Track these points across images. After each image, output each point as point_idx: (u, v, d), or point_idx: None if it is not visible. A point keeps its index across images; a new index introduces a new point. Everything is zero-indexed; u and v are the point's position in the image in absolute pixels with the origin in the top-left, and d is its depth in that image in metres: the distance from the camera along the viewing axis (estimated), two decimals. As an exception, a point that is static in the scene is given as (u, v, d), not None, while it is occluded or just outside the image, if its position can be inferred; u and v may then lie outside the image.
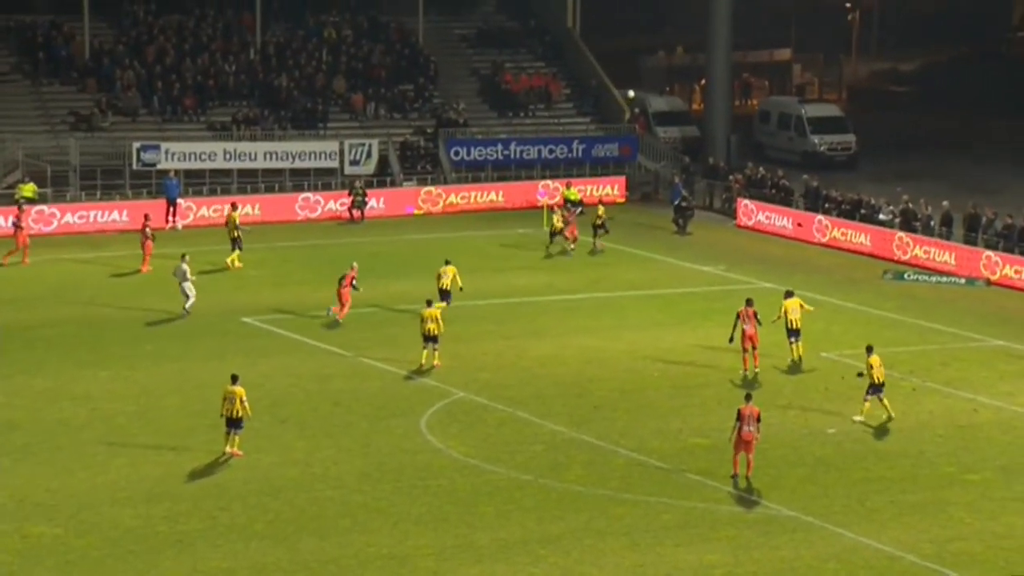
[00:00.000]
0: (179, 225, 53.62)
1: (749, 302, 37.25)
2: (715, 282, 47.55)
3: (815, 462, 31.85)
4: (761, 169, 58.61)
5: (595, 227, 50.75)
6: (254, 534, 27.87)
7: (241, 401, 31.47)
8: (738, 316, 36.85)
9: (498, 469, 31.22)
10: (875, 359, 33.81)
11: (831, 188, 55.05)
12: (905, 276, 48.35)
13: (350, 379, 37.05)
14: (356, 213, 55.88)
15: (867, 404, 33.89)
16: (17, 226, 48.41)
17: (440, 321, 37.40)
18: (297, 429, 33.53)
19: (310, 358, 38.77)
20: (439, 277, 42.27)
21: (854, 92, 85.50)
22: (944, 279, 47.94)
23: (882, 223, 51.78)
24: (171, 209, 54.09)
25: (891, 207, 52.23)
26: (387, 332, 40.90)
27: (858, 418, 33.90)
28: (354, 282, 41.69)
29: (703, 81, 72.10)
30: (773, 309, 38.01)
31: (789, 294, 38.59)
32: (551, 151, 61.60)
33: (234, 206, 49.65)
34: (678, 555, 27.21)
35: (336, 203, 56.36)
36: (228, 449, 31.56)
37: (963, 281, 47.66)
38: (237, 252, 47.80)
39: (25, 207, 50.61)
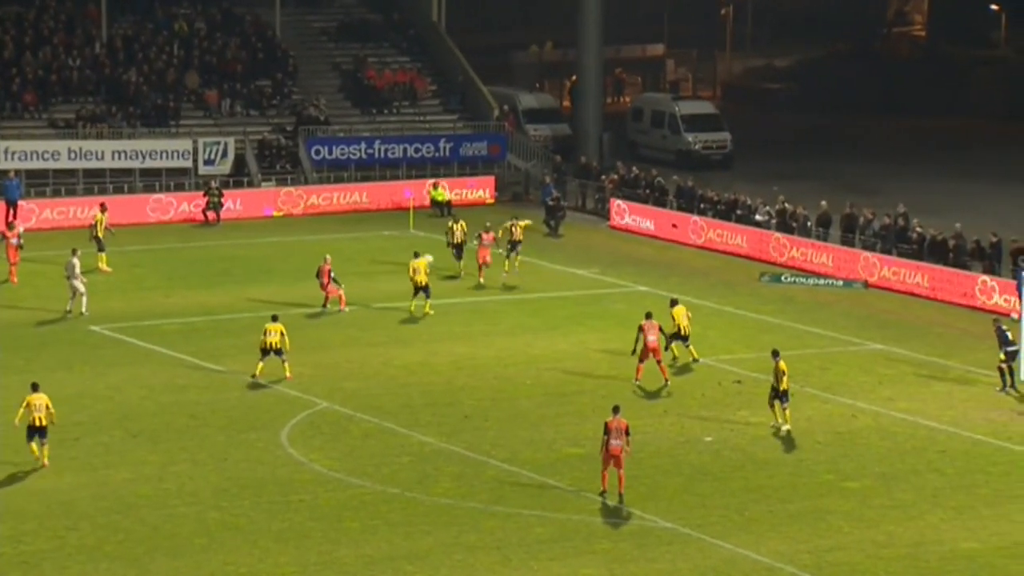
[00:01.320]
0: (20, 229, 52.57)
1: (649, 315, 37.36)
2: (589, 285, 47.87)
3: (692, 471, 32.21)
4: (635, 168, 59.12)
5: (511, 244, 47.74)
6: (104, 555, 27.47)
7: (48, 408, 31.27)
8: (640, 329, 36.99)
9: (363, 483, 31.13)
10: (783, 365, 34.17)
11: (706, 188, 55.73)
12: (782, 278, 49.09)
13: (206, 390, 36.70)
14: (211, 215, 55.36)
15: (786, 411, 34.22)
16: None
17: (285, 335, 37.13)
18: (150, 443, 33.13)
19: (163, 368, 38.33)
20: (413, 272, 42.62)
21: (728, 89, 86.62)
22: (822, 281, 48.77)
23: (758, 224, 52.53)
24: (11, 211, 53.13)
25: (767, 207, 53.00)
26: (246, 339, 40.48)
27: (785, 427, 34.24)
28: (332, 275, 42.72)
29: (574, 77, 72.53)
30: (659, 315, 38.21)
31: (674, 302, 39.06)
32: (417, 150, 61.59)
33: (103, 207, 48.76)
34: (552, 569, 27.34)
35: (190, 204, 55.80)
36: (42, 459, 31.26)
37: (841, 283, 48.53)
38: (104, 255, 47.19)
39: None
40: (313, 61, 65.66)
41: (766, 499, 30.69)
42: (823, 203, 52.24)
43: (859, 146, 71.38)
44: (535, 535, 28.75)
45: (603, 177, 59.10)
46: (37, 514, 29.06)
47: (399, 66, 65.89)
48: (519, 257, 47.80)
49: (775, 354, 34.49)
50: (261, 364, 37.18)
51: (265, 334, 37.07)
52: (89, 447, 32.75)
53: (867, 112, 77.92)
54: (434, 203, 57.72)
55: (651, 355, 36.96)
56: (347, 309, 43.22)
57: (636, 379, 37.17)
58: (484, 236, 46.86)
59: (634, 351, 37.13)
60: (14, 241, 46.35)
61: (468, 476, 31.64)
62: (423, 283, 42.74)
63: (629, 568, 27.46)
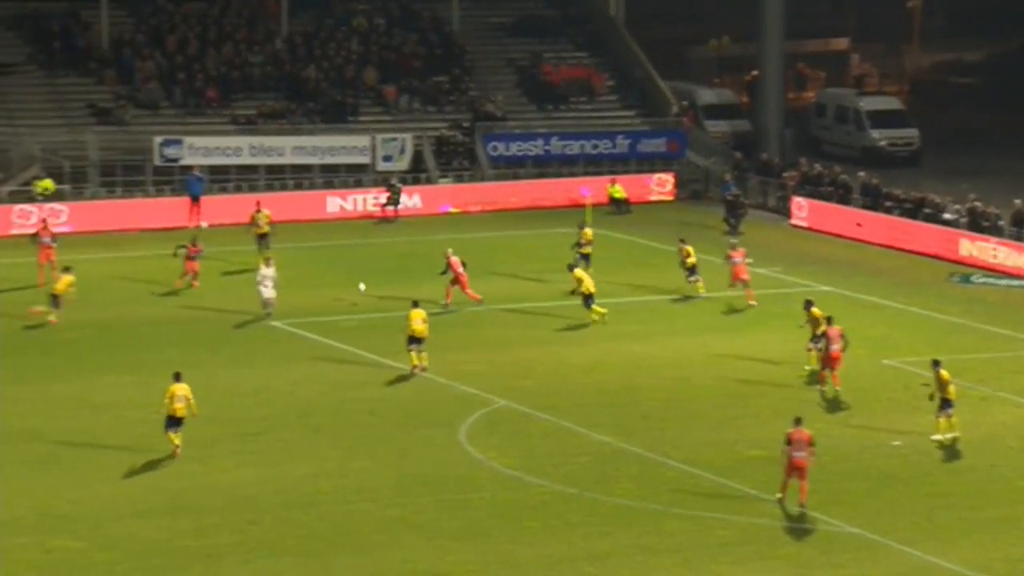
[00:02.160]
0: (203, 224, 53.84)
1: (830, 320, 36.80)
2: (769, 285, 47.47)
3: (879, 476, 31.79)
4: (817, 165, 58.48)
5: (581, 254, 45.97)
6: (285, 549, 28.00)
7: (188, 400, 31.97)
8: (824, 335, 36.43)
9: (542, 482, 31.28)
10: (945, 374, 33.62)
11: (892, 185, 54.88)
12: (972, 279, 48.16)
13: (384, 386, 37.20)
14: (390, 211, 56.08)
15: (941, 421, 33.71)
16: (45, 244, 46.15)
17: (426, 323, 37.47)
18: (330, 439, 33.68)
19: (342, 364, 38.93)
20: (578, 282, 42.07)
21: (916, 84, 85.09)
22: (1015, 282, 47.74)
23: (947, 223, 51.60)
24: (195, 207, 54.37)
25: (957, 206, 52.05)
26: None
27: (936, 437, 33.73)
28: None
29: (754, 72, 71.96)
30: (844, 316, 37.78)
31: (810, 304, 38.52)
32: (594, 146, 61.64)
33: (259, 205, 49.85)
34: (734, 573, 27.21)
35: (367, 200, 56.49)
36: (175, 448, 32.04)
37: (1034, 284, 47.53)
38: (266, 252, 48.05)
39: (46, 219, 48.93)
40: (490, 57, 66.10)
41: (956, 506, 30.19)
42: (1017, 201, 51.14)
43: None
44: (717, 538, 28.64)
45: (784, 174, 58.56)
46: (219, 508, 29.74)
47: (576, 61, 66.01)
48: (699, 280, 45.40)
49: (936, 364, 33.83)
50: (413, 354, 37.42)
51: (410, 320, 37.25)
52: (270, 442, 33.42)
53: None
54: (612, 200, 57.75)
55: (833, 364, 36.21)
56: (478, 300, 42.73)
57: (821, 387, 36.62)
58: (733, 254, 44.83)
59: (813, 337, 36.37)
60: (193, 255, 45.71)
61: (647, 477, 31.62)
62: (589, 291, 41.92)
63: (814, 573, 27.24)
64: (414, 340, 37.41)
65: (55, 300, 41.60)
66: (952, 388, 33.52)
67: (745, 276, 44.20)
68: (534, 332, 41.92)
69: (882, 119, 67.42)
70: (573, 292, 42.85)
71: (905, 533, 28.80)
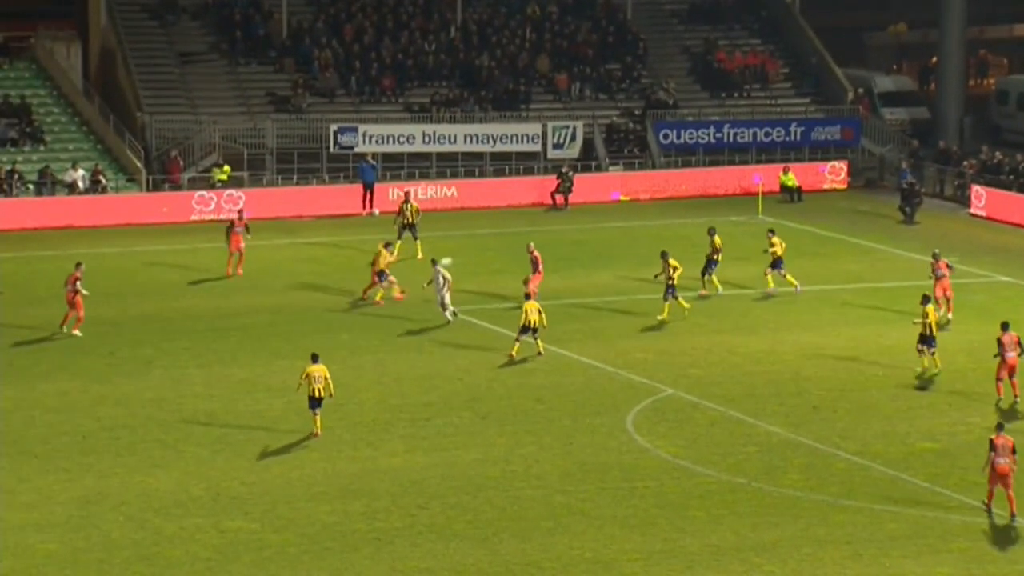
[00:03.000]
0: (375, 212, 54.51)
1: (1005, 326, 35.04)
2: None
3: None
4: (998, 154, 57.23)
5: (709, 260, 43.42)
6: (454, 534, 28.27)
7: (326, 380, 32.41)
8: (999, 342, 34.72)
9: (709, 471, 31.14)
10: (931, 310, 33.90)
11: (1075, 174, 53.54)
12: None
13: (552, 374, 37.30)
14: (559, 199, 56.20)
15: (934, 355, 33.93)
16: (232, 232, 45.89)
17: (542, 313, 37.44)
18: (498, 425, 33.90)
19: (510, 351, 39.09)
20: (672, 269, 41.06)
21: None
22: None
23: None
24: (367, 195, 55.05)
25: None
26: (591, 325, 41.06)
27: (933, 371, 33.02)
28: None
29: (934, 59, 70.66)
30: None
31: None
32: (767, 134, 61.11)
33: (407, 195, 49.38)
34: (905, 567, 26.81)
35: (539, 188, 56.67)
36: (315, 429, 32.51)
37: None
38: (412, 241, 47.62)
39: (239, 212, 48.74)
40: (663, 44, 65.85)
41: None
42: None
43: None
44: (887, 531, 28.25)
45: (963, 163, 57.42)
46: (389, 492, 30.11)
47: (750, 48, 65.45)
48: (785, 273, 43.52)
49: (925, 300, 35.48)
50: (517, 345, 37.57)
51: (525, 313, 37.42)
52: (439, 427, 33.74)
53: None
54: (784, 189, 57.19)
55: (1008, 373, 34.71)
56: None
57: (998, 396, 35.12)
58: (937, 265, 40.93)
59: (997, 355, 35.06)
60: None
61: (817, 468, 31.29)
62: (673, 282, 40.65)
63: (988, 569, 26.72)
64: (527, 329, 37.41)
65: (382, 275, 42.18)
66: (934, 325, 34.05)
67: (949, 292, 40.58)
68: (704, 321, 41.67)
69: (1066, 106, 65.75)
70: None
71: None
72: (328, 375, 32.72)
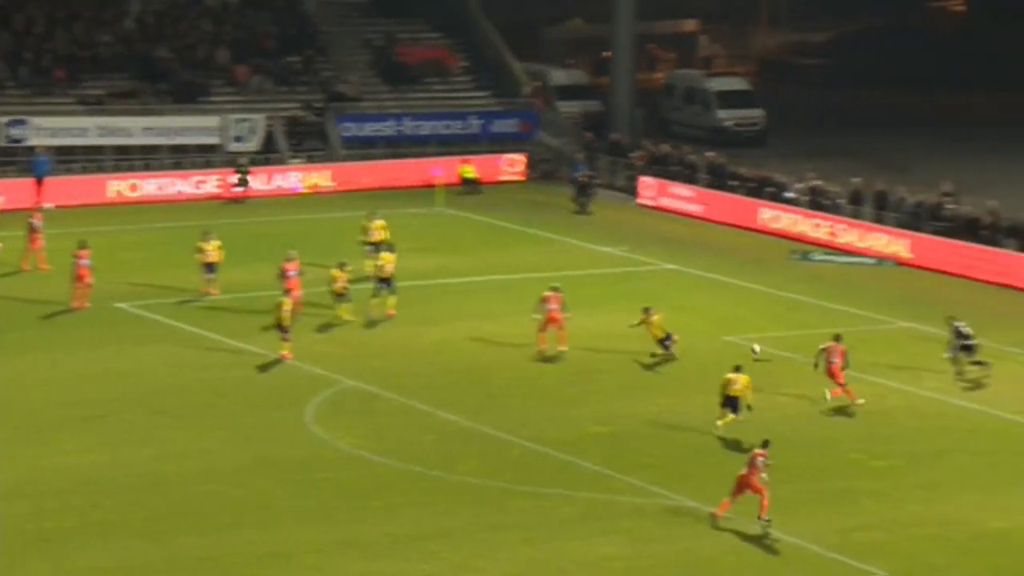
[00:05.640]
0: (47, 205, 52.91)
1: (838, 338, 34.92)
2: (618, 263, 47.77)
3: (720, 451, 32.12)
4: (666, 146, 58.90)
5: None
6: (127, 532, 27.64)
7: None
8: (823, 351, 34.77)
9: (388, 461, 31.20)
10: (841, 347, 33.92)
11: (738, 165, 55.48)
12: (813, 256, 48.88)
13: (231, 368, 36.83)
14: (239, 192, 55.50)
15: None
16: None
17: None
18: (174, 420, 33.29)
19: (188, 346, 38.45)
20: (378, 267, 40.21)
21: (763, 65, 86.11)
22: (853, 259, 48.54)
23: (789, 201, 52.30)
24: (39, 187, 53.37)
25: (799, 185, 52.76)
26: (273, 318, 40.61)
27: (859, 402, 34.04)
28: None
29: (607, 53, 72.26)
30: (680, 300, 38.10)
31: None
32: (447, 127, 61.50)
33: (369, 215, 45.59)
34: (574, 549, 27.36)
35: (216, 181, 55.88)
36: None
37: (872, 261, 48.29)
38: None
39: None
40: (344, 37, 65.58)
41: (793, 478, 30.58)
42: (855, 180, 51.98)
43: (895, 123, 70.89)
44: (559, 514, 28.78)
45: (632, 154, 58.92)
46: (60, 491, 29.24)
47: (431, 42, 65.77)
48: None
49: (837, 338, 34.53)
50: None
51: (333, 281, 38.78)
52: (113, 424, 32.95)
53: (903, 89, 77.29)
54: (464, 181, 57.70)
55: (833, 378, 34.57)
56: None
57: (828, 397, 34.73)
58: (830, 347, 34.92)
59: (816, 365, 34.69)
60: (36, 223, 44.57)
61: (493, 455, 31.68)
62: (388, 276, 40.28)
63: (652, 547, 27.47)
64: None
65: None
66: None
67: (839, 379, 35.01)
68: (398, 311, 41.58)
69: (729, 100, 68.06)
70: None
71: (743, 506, 29.07)
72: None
